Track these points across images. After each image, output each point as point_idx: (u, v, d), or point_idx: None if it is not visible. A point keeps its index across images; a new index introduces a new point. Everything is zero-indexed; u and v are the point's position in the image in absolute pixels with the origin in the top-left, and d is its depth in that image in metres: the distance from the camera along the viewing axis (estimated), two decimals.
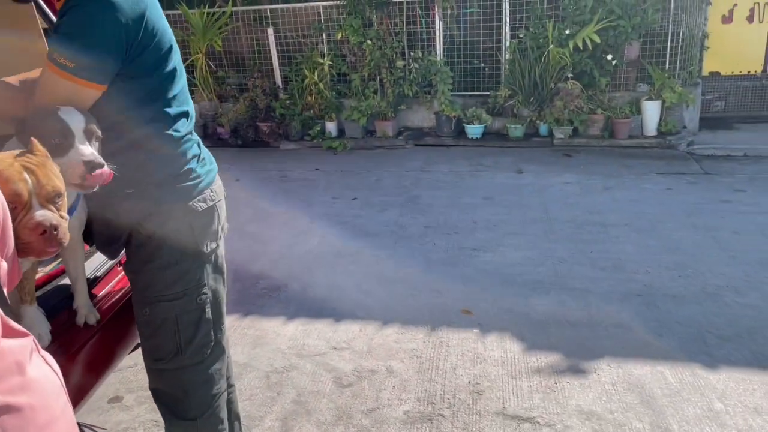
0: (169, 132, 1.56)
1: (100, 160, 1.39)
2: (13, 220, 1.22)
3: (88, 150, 1.39)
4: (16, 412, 0.97)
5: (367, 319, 3.25)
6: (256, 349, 3.04)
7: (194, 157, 1.64)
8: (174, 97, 1.57)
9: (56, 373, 1.10)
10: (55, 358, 1.27)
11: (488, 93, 6.97)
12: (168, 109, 1.56)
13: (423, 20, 6.91)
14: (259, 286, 3.70)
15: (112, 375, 2.80)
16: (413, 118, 7.31)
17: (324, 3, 7.14)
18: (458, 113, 6.78)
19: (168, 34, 1.53)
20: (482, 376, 2.73)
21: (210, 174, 1.69)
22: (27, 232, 1.25)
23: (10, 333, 1.00)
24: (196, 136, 1.68)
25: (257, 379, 2.80)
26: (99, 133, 1.45)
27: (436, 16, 6.85)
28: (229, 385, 2.05)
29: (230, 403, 2.06)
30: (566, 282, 3.53)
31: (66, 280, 1.91)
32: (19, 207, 1.25)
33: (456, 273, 3.72)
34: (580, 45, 6.25)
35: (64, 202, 1.35)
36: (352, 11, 6.81)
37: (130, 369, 2.90)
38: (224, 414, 1.84)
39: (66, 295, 1.85)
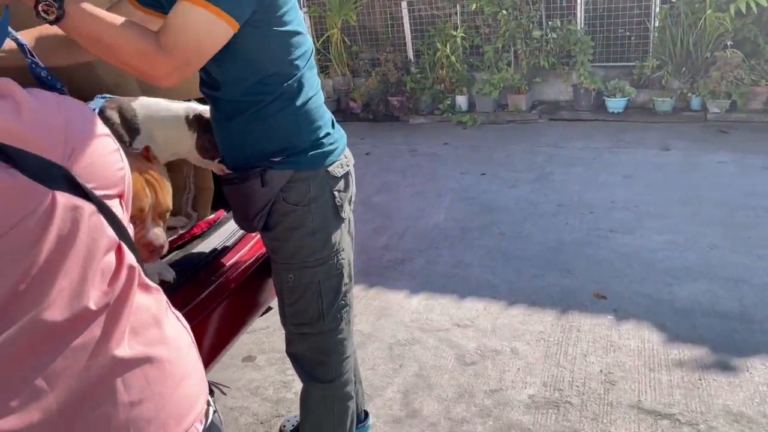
0: (312, 96, 1.56)
1: None
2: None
3: None
4: (158, 363, 1.01)
5: (492, 298, 3.16)
6: (380, 320, 3.06)
7: (329, 121, 1.64)
8: (308, 57, 1.56)
9: (187, 330, 1.14)
10: (187, 321, 1.34)
11: (633, 64, 6.46)
12: (308, 73, 1.55)
13: None
14: (384, 258, 3.73)
15: (247, 336, 2.95)
16: (548, 91, 6.97)
17: None
18: (598, 86, 6.36)
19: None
20: (616, 366, 2.56)
21: (342, 139, 1.69)
22: (138, 245, 1.33)
23: (145, 288, 1.05)
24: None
25: (380, 350, 2.83)
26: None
27: None
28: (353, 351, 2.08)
29: (354, 369, 2.09)
30: (717, 270, 3.20)
31: (195, 248, 2.01)
32: (138, 222, 1.35)
33: (590, 254, 3.51)
34: (743, 9, 5.58)
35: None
36: None
37: (263, 330, 3.04)
38: (353, 375, 1.89)
39: (196, 261, 1.94)
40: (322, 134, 1.59)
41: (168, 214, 1.45)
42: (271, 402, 2.54)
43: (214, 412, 1.18)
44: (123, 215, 1.03)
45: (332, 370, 1.80)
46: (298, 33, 1.51)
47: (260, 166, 1.56)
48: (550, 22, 6.57)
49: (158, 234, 1.41)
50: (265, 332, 3.04)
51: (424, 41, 7.25)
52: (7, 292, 0.88)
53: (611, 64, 6.63)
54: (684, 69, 6.12)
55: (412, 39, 7.37)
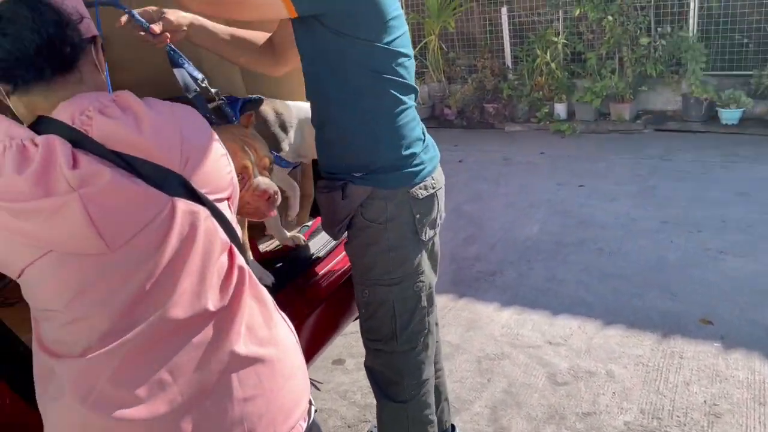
0: (398, 112, 1.55)
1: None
2: (241, 189, 1.41)
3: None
4: (268, 363, 1.07)
5: (587, 317, 3.05)
6: (469, 332, 3.03)
7: (418, 141, 1.62)
8: (400, 74, 1.54)
9: (293, 332, 1.20)
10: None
11: (750, 73, 6.02)
12: (398, 89, 1.54)
13: None
14: (474, 268, 3.69)
15: (338, 338, 3.01)
16: (655, 101, 6.64)
17: None
18: (711, 95, 5.98)
19: (396, 3, 1.51)
20: (722, 397, 2.39)
21: (432, 161, 1.66)
22: (255, 197, 1.45)
23: (254, 289, 1.10)
24: (419, 120, 1.67)
25: (468, 362, 2.80)
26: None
27: None
28: (438, 369, 2.05)
29: (439, 385, 2.07)
30: None
31: (293, 256, 2.06)
32: (246, 177, 1.43)
33: (696, 276, 3.31)
34: None
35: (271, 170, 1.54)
36: None
37: (353, 335, 3.08)
38: (432, 399, 1.85)
39: (294, 269, 1.99)
40: (405, 153, 1.57)
41: (270, 165, 1.51)
42: (358, 407, 2.58)
43: (316, 411, 1.22)
44: (231, 216, 1.09)
45: (405, 392, 1.77)
46: (390, 47, 1.50)
47: (343, 179, 1.58)
48: (659, 29, 6.26)
49: (267, 182, 1.47)
50: (355, 336, 3.07)
51: (523, 48, 7.12)
52: (135, 292, 0.95)
53: (726, 72, 6.22)
54: None
55: (510, 45, 7.25)
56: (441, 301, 3.33)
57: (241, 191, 1.39)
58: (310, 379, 1.49)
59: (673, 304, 3.07)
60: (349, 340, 3.04)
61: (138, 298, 0.96)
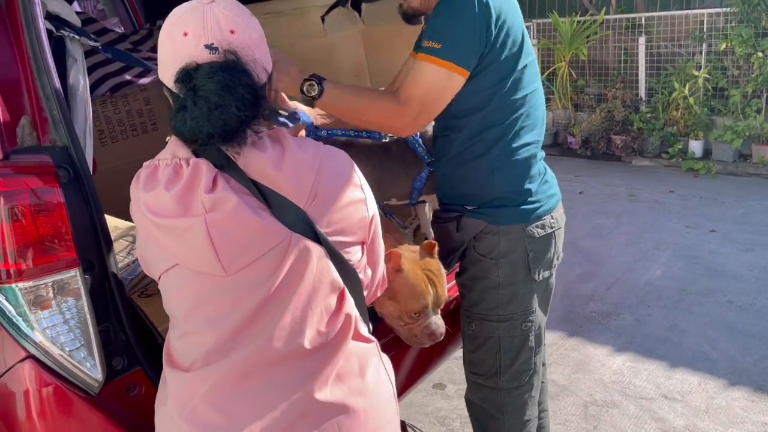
0: (513, 147, 1.55)
1: None
2: (412, 323, 1.50)
3: None
4: (353, 414, 1.07)
5: (710, 374, 2.85)
6: (577, 374, 2.93)
7: (537, 177, 1.61)
8: (520, 107, 1.54)
9: (391, 380, 1.18)
10: (391, 348, 1.41)
11: None
12: (520, 122, 1.55)
13: None
14: (588, 308, 3.56)
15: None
16: None
17: (709, 10, 6.41)
18: None
19: (524, 38, 1.53)
20: None
21: (552, 199, 1.64)
22: (423, 335, 1.53)
23: (358, 337, 1.11)
24: (542, 156, 1.65)
25: (574, 405, 2.70)
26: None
27: None
28: (542, 410, 2.00)
29: (542, 427, 2.02)
30: None
31: None
32: (422, 315, 1.50)
33: None
34: None
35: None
36: (744, 19, 5.96)
37: (455, 361, 3.06)
38: None
39: None
40: (521, 189, 1.57)
41: (445, 302, 1.58)
42: None
43: None
44: (360, 260, 1.12)
45: (504, 429, 1.75)
46: (516, 84, 1.52)
47: (458, 211, 1.60)
48: None
49: (438, 323, 1.55)
50: (458, 362, 3.06)
51: (659, 80, 6.80)
52: (243, 317, 1.02)
53: None
54: None
55: (646, 76, 6.95)
56: (550, 338, 3.25)
57: (412, 325, 1.51)
58: (414, 427, 1.53)
59: None
60: (451, 366, 3.04)
61: (244, 323, 1.02)
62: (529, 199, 1.59)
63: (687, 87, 6.36)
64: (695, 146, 6.36)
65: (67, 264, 1.23)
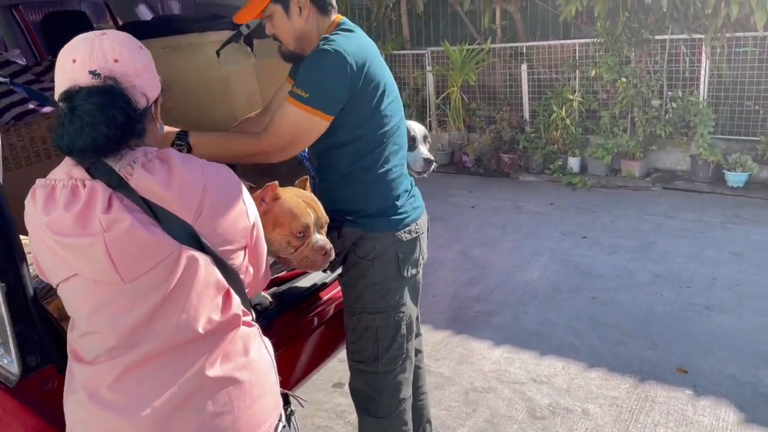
0: (383, 170, 1.87)
1: (432, 157, 2.13)
2: (301, 245, 1.65)
3: (426, 150, 2.16)
4: (239, 385, 1.29)
5: (572, 359, 3.28)
6: (461, 366, 3.28)
7: (405, 193, 1.93)
8: (387, 138, 1.86)
9: (270, 356, 1.41)
10: (286, 344, 1.61)
11: (758, 138, 6.26)
12: (382, 150, 1.86)
13: (687, 58, 6.51)
14: (473, 308, 3.94)
15: (339, 364, 3.27)
16: (664, 160, 6.89)
17: (580, 41, 7.15)
18: (718, 158, 6.21)
19: (384, 82, 1.83)
20: None
21: (416, 210, 1.97)
22: (313, 252, 1.68)
23: (242, 324, 1.33)
24: (407, 176, 1.97)
25: (456, 393, 3.04)
26: (430, 138, 2.15)
27: (703, 55, 6.39)
28: (422, 393, 2.31)
29: (422, 408, 2.33)
30: None
31: (298, 283, 2.34)
32: (307, 235, 1.67)
33: (679, 329, 3.52)
34: None
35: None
36: (609, 49, 6.71)
37: None
38: (408, 417, 2.10)
39: (297, 294, 2.27)
40: (390, 204, 1.89)
41: (325, 224, 1.75)
42: (352, 426, 2.83)
43: (283, 427, 1.42)
44: (242, 263, 1.32)
45: (383, 408, 2.03)
46: (378, 114, 1.83)
47: (338, 221, 1.89)
48: (670, 92, 6.55)
49: (324, 239, 1.70)
50: None
51: (540, 103, 7.46)
52: (139, 318, 1.21)
53: (734, 137, 6.46)
54: None
55: (529, 100, 7.61)
56: (438, 337, 3.60)
57: (301, 247, 1.65)
58: (297, 396, 1.74)
59: (653, 352, 3.29)
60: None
61: (141, 323, 1.19)
62: (398, 210, 1.92)
63: (564, 109, 7.04)
64: (573, 162, 7.04)
65: None
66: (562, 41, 7.38)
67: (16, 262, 1.46)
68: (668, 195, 6.29)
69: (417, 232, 1.95)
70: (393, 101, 1.89)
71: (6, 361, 1.43)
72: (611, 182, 6.73)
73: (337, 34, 1.80)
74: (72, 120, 1.15)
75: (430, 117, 8.40)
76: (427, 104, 8.40)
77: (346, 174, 1.88)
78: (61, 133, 1.16)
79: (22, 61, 2.84)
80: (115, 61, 1.20)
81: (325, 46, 1.75)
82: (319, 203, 1.75)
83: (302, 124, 1.76)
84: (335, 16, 1.88)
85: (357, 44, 1.78)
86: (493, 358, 3.35)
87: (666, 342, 3.38)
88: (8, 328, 1.44)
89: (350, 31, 1.83)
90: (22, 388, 1.47)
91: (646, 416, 2.78)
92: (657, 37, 6.53)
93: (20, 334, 1.47)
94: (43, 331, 1.53)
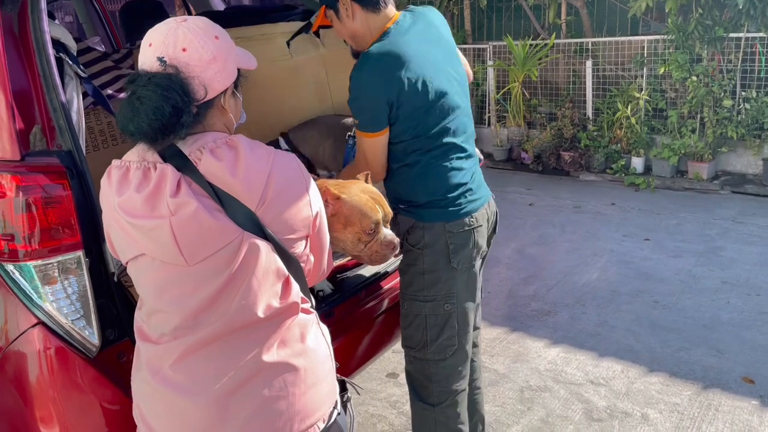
0: (432, 166, 1.89)
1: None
2: (371, 241, 1.66)
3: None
4: (295, 371, 1.31)
5: (632, 362, 3.20)
6: (516, 364, 3.25)
7: (459, 185, 1.92)
8: (435, 135, 1.87)
9: (328, 345, 1.43)
10: (345, 331, 1.61)
11: None
12: (429, 147, 1.88)
13: (763, 57, 6.21)
14: (530, 307, 3.90)
15: (393, 354, 3.31)
16: (735, 163, 6.61)
17: (649, 37, 6.93)
18: None
19: (432, 80, 1.83)
20: None
21: (474, 203, 1.96)
22: (382, 248, 1.69)
23: (301, 311, 1.35)
24: (469, 168, 1.97)
25: (511, 390, 3.02)
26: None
27: None
28: (476, 388, 2.31)
29: (475, 404, 2.33)
30: None
31: (359, 271, 2.37)
32: (377, 230, 1.68)
33: (746, 337, 3.38)
34: None
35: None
36: (680, 46, 6.48)
37: None
38: (462, 409, 2.10)
39: (358, 282, 2.31)
40: (439, 197, 1.91)
41: (391, 218, 1.77)
42: (406, 416, 2.85)
43: (338, 414, 1.43)
44: (303, 251, 1.33)
45: (434, 396, 2.05)
46: (423, 114, 1.85)
47: (395, 210, 1.92)
48: (743, 92, 6.28)
49: (392, 234, 1.73)
50: None
51: (604, 100, 7.28)
52: (202, 300, 1.24)
53: None
54: None
55: (592, 97, 7.43)
56: (493, 333, 3.57)
57: (371, 243, 1.66)
58: (353, 384, 1.76)
59: (718, 360, 3.17)
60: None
61: (204, 306, 1.22)
62: (450, 202, 1.93)
63: (629, 108, 6.84)
64: (637, 162, 6.84)
65: (72, 248, 1.49)
66: (630, 37, 7.18)
67: (99, 241, 1.54)
68: (738, 199, 6.03)
69: (471, 225, 1.95)
70: (444, 98, 1.88)
71: (87, 333, 1.51)
72: (677, 184, 6.51)
73: (380, 40, 1.83)
74: (129, 103, 1.18)
75: (489, 112, 8.31)
76: (487, 99, 8.32)
77: (396, 169, 1.94)
78: (120, 114, 1.20)
79: (101, 48, 2.97)
80: (183, 50, 1.21)
81: (360, 61, 1.82)
82: (383, 198, 1.76)
83: (366, 147, 1.89)
84: (392, 12, 1.90)
85: (395, 49, 1.79)
86: (549, 357, 3.30)
87: (731, 350, 3.26)
88: (91, 302, 1.52)
89: (398, 30, 1.85)
90: (100, 360, 1.55)
91: (709, 425, 2.69)
92: (731, 35, 6.27)
93: (101, 307, 1.55)
94: (121, 306, 1.61)
